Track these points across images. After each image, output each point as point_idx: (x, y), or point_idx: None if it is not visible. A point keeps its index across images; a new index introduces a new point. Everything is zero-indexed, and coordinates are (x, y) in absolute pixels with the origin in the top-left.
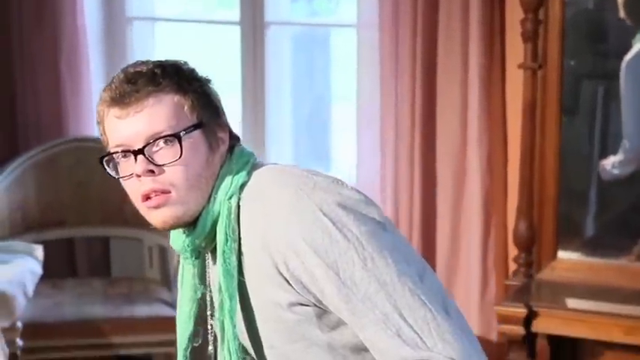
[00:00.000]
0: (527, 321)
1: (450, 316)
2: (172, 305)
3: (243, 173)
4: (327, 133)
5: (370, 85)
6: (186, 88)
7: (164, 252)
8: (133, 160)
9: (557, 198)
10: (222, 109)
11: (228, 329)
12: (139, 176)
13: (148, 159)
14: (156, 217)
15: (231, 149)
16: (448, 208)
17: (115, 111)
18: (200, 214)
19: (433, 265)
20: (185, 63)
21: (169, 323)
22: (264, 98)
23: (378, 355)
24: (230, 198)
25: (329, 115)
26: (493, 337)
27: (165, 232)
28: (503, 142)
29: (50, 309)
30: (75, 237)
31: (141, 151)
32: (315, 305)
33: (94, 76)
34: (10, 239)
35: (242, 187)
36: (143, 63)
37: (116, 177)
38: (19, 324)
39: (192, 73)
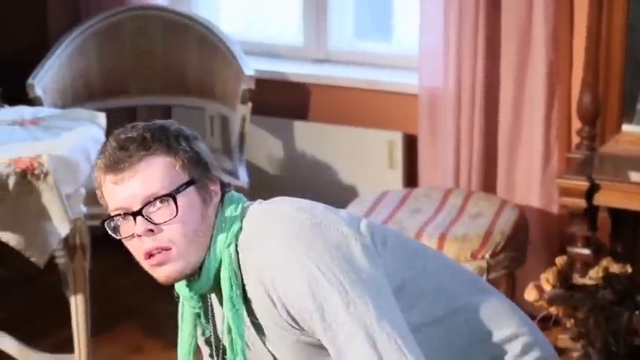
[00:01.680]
0: (589, 194)
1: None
2: (233, 174)
3: (237, 220)
4: (388, 1)
5: None
6: (176, 148)
7: (225, 121)
8: (133, 221)
9: (623, 71)
10: (212, 163)
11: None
12: (139, 236)
13: (146, 219)
14: (160, 273)
15: (222, 197)
16: (511, 79)
17: (110, 177)
18: (202, 265)
19: (495, 139)
20: (172, 124)
21: None
22: None
23: None
24: (229, 246)
25: None
26: (554, 209)
27: (226, 101)
28: (569, 15)
29: None
30: (137, 105)
31: (139, 213)
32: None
33: None
34: (73, 107)
35: (237, 234)
36: (133, 128)
37: (118, 238)
38: (83, 190)
39: (180, 132)
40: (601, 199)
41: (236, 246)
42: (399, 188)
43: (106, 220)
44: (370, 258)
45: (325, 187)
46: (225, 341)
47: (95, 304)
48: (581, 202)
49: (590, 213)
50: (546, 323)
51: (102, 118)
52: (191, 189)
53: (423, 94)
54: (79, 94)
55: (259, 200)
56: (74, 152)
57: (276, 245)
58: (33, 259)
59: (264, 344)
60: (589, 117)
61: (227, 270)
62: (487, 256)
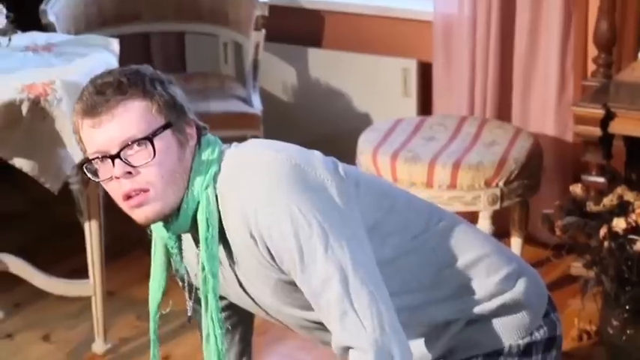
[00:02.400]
0: (604, 122)
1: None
2: (246, 101)
3: (214, 163)
4: None
5: None
6: (152, 92)
7: (239, 48)
8: (111, 164)
9: None
10: (188, 107)
11: (212, 303)
12: (117, 178)
13: (124, 162)
14: (139, 214)
15: (198, 140)
16: (527, 5)
17: (88, 121)
18: (180, 207)
19: (510, 66)
20: (147, 68)
21: (244, 119)
22: None
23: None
24: (206, 188)
25: None
26: (569, 137)
27: (239, 28)
28: None
29: None
30: (150, 32)
31: (117, 156)
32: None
33: None
34: (86, 34)
35: (215, 176)
36: (109, 73)
37: (97, 180)
38: None
39: (155, 77)
40: (616, 127)
41: (214, 188)
42: (413, 116)
43: (84, 163)
44: (347, 201)
45: (339, 115)
46: (199, 279)
47: (109, 230)
48: (596, 130)
49: (605, 141)
50: (560, 251)
51: (115, 44)
52: (167, 132)
53: (437, 20)
54: (92, 21)
55: (235, 143)
56: (87, 78)
57: (259, 185)
58: (47, 185)
59: (242, 286)
60: (605, 44)
61: (204, 212)
62: (501, 183)
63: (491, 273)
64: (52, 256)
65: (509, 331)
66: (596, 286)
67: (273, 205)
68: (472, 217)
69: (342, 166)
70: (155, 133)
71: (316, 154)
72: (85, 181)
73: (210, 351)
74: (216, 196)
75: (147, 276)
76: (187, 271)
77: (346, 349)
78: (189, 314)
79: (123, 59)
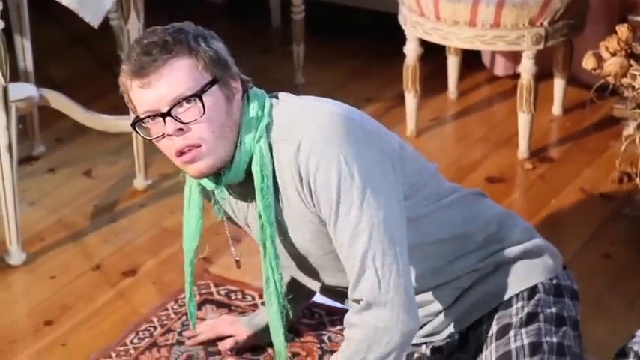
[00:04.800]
0: None
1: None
2: None
3: (265, 116)
4: None
5: None
6: (197, 49)
7: None
8: (162, 122)
9: None
10: (231, 60)
11: (269, 249)
12: (170, 136)
13: (175, 119)
14: (193, 169)
15: (245, 93)
16: None
17: (137, 82)
18: (232, 161)
19: None
20: (190, 25)
21: None
22: None
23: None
24: (259, 141)
25: None
26: None
27: None
28: None
29: None
30: None
31: (168, 114)
32: None
33: None
34: None
35: (267, 128)
36: (154, 32)
37: (149, 139)
38: None
39: (198, 33)
40: None
41: (268, 139)
42: None
43: (136, 122)
44: (390, 161)
45: None
46: (255, 228)
47: None
48: None
49: None
50: (603, 92)
51: None
52: (215, 88)
53: None
54: None
55: (281, 95)
56: None
57: (314, 133)
58: (87, 20)
59: (287, 234)
60: None
61: (258, 164)
62: (545, 23)
63: (510, 226)
64: (93, 91)
65: (537, 271)
66: (638, 129)
67: (324, 151)
68: (515, 57)
69: (387, 130)
70: (203, 90)
71: (366, 115)
72: (125, 16)
73: (271, 293)
74: (270, 147)
75: None
76: (232, 218)
77: (359, 303)
78: (236, 259)
79: None
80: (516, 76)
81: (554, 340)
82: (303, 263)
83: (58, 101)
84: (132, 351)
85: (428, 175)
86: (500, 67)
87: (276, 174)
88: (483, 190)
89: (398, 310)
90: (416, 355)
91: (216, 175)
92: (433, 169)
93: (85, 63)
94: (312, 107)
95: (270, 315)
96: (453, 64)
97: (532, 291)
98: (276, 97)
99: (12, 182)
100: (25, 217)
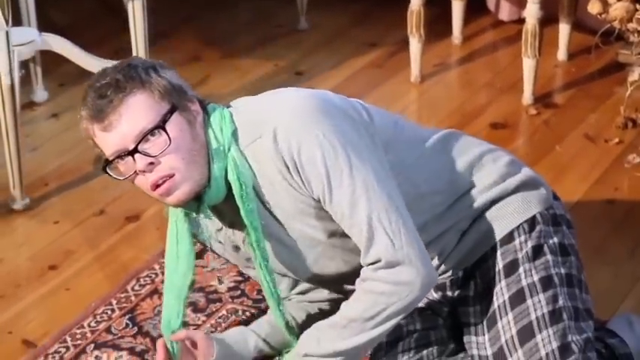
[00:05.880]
0: None
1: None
2: None
3: (228, 125)
4: None
5: None
6: (149, 81)
7: None
8: (132, 160)
9: None
10: (185, 84)
11: (258, 253)
12: (142, 171)
13: (144, 154)
14: (171, 200)
15: (204, 112)
16: None
17: (98, 126)
18: (209, 180)
19: None
20: (137, 58)
21: None
22: None
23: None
24: (230, 150)
25: None
26: None
27: None
28: None
29: None
30: None
31: (135, 151)
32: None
33: None
34: None
35: (234, 135)
36: (104, 74)
37: (122, 179)
38: None
39: (147, 65)
40: None
41: (238, 146)
42: None
43: (106, 165)
44: (363, 125)
45: None
46: (246, 238)
47: (154, 12)
48: None
49: None
50: (608, 38)
51: None
52: (175, 115)
53: None
54: None
55: (232, 102)
56: None
57: (287, 119)
58: None
59: (287, 238)
60: None
61: (234, 172)
62: None
63: (497, 160)
64: (96, 36)
65: (534, 202)
66: None
67: (301, 133)
68: (520, 2)
69: (349, 98)
70: (165, 120)
71: (326, 91)
72: None
73: (267, 295)
74: (242, 152)
75: (193, 57)
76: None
77: (375, 265)
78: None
79: None
80: (521, 21)
81: (563, 271)
82: (313, 264)
83: (61, 46)
84: (132, 298)
85: (400, 126)
86: (505, 12)
87: (258, 178)
88: (487, 136)
89: (416, 263)
90: None
91: (198, 199)
92: (401, 119)
93: (88, 7)
94: (272, 100)
95: (275, 318)
96: (457, 9)
97: (532, 223)
98: (230, 106)
99: (14, 127)
100: (28, 163)
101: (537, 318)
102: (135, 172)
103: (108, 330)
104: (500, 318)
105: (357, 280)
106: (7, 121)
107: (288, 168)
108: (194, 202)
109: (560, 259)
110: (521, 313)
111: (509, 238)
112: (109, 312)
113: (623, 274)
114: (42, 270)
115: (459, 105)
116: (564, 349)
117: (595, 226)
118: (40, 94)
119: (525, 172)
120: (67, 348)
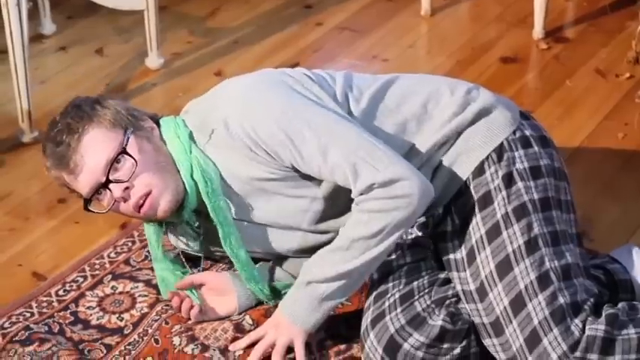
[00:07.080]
0: None
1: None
2: None
3: (182, 130)
4: None
5: None
6: (97, 115)
7: None
8: (108, 191)
9: None
10: (131, 106)
11: (233, 248)
12: (122, 198)
13: (117, 182)
14: (159, 214)
15: (158, 127)
16: None
17: (65, 172)
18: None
19: None
20: (79, 98)
21: None
22: None
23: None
24: (190, 152)
25: None
26: None
27: None
28: None
29: None
30: None
31: (108, 181)
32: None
33: None
34: None
35: (190, 138)
36: (54, 124)
37: (106, 211)
38: None
39: (90, 102)
40: None
41: (197, 146)
42: None
43: (86, 204)
44: (301, 86)
45: None
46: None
47: None
48: None
49: None
50: None
51: None
52: (132, 137)
53: None
54: None
55: (183, 109)
56: None
57: (230, 109)
58: None
59: (254, 221)
60: None
61: (198, 171)
62: None
63: (454, 92)
64: None
65: (497, 129)
66: None
67: (249, 115)
68: None
69: (289, 69)
70: (125, 144)
71: (265, 70)
72: None
73: (244, 278)
74: (202, 151)
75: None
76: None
77: (369, 189)
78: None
79: None
80: None
81: (536, 196)
82: (289, 242)
83: None
84: (137, 238)
85: (349, 78)
86: None
87: (222, 173)
88: (497, 71)
89: (408, 175)
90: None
91: (180, 208)
92: (348, 72)
93: None
94: (215, 95)
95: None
96: None
97: (499, 151)
98: (179, 113)
99: (23, 60)
100: (36, 96)
101: (514, 250)
102: (114, 201)
103: (126, 262)
104: (479, 253)
105: (352, 205)
106: (15, 54)
107: (250, 148)
108: (176, 213)
109: (532, 184)
110: (498, 247)
111: (480, 170)
112: (130, 244)
113: (632, 210)
114: (51, 203)
115: (469, 39)
116: (542, 278)
117: (604, 161)
118: (48, 26)
119: (484, 97)
120: (85, 277)
